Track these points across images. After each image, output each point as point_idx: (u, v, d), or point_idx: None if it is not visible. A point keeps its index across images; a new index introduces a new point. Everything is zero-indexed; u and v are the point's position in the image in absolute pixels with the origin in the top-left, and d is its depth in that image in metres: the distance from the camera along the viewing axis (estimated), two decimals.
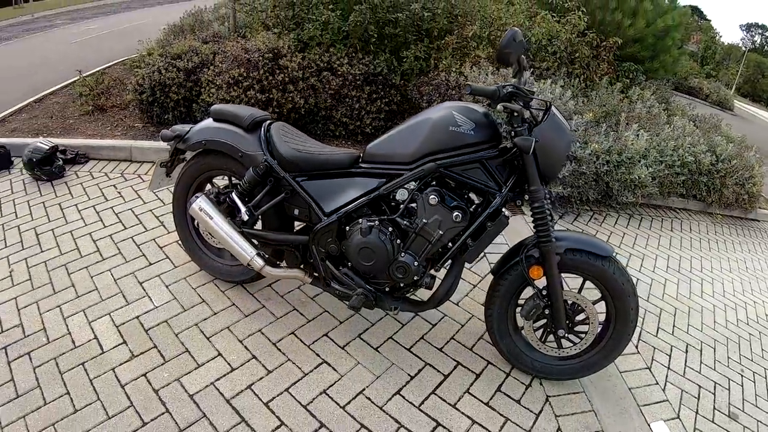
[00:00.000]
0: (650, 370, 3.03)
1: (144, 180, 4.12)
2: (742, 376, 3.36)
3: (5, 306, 2.85)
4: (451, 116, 2.31)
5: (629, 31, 5.95)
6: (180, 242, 3.31)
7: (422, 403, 2.49)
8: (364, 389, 2.52)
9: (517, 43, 2.12)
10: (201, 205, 2.71)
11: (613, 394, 2.74)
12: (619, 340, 2.53)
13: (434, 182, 2.42)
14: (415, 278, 2.48)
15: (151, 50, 5.39)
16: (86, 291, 2.96)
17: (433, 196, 2.33)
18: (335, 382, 2.54)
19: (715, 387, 3.14)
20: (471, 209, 2.40)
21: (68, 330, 2.71)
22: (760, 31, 65.25)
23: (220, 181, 3.05)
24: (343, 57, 4.99)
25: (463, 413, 2.46)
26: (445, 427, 2.38)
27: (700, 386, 3.08)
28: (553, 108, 2.33)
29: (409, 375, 2.63)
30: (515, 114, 2.23)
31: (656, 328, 3.45)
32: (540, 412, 2.54)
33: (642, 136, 4.78)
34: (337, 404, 2.43)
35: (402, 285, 2.56)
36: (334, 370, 2.61)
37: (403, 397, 2.50)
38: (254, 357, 2.65)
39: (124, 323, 2.76)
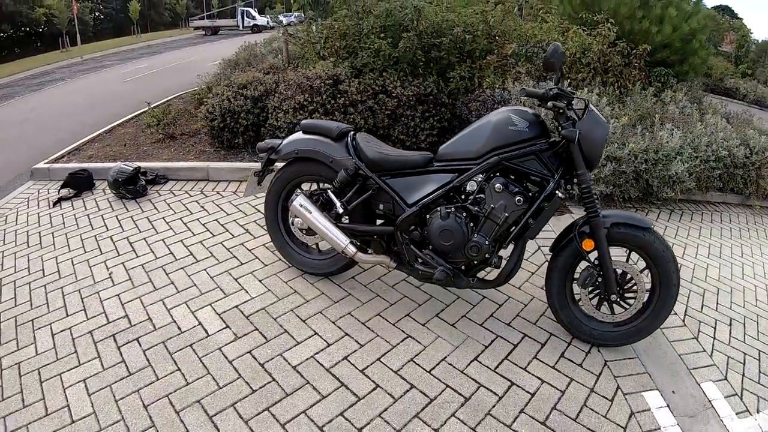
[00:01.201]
0: (697, 340, 3.19)
1: (223, 196, 4.44)
2: None
3: (109, 302, 3.13)
4: (509, 117, 2.72)
5: (657, 37, 6.15)
6: (269, 244, 3.59)
7: (497, 367, 2.74)
8: (445, 357, 2.78)
9: (559, 54, 2.54)
10: (301, 202, 3.04)
11: (665, 360, 2.96)
12: (665, 303, 2.80)
13: (498, 173, 2.78)
14: (486, 257, 2.81)
15: (210, 84, 5.84)
16: (186, 287, 3.22)
17: (498, 185, 2.70)
18: (420, 352, 2.80)
19: (759, 354, 3.25)
20: (530, 195, 2.73)
21: (173, 319, 2.96)
22: None
23: (306, 187, 3.34)
24: (396, 81, 5.30)
25: (533, 374, 2.71)
26: (518, 386, 2.63)
27: (745, 354, 3.22)
28: (590, 105, 2.70)
29: (483, 345, 2.89)
30: (560, 111, 2.60)
31: (701, 305, 3.57)
32: (600, 373, 2.77)
33: (675, 134, 4.95)
34: (424, 369, 2.68)
35: (475, 263, 2.88)
36: (418, 342, 2.87)
37: (480, 363, 2.76)
38: (347, 334, 2.88)
39: (225, 311, 3.01)
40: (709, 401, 2.73)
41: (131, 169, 4.42)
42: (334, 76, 5.17)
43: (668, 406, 2.63)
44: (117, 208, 4.32)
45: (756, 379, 3.01)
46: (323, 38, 5.56)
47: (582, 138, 2.57)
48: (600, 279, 2.81)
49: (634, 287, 2.85)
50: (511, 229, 2.79)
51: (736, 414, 2.69)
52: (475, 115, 5.20)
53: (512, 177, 2.79)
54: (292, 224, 3.23)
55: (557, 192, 2.71)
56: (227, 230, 3.90)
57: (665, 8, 6.33)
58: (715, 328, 3.39)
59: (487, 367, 2.74)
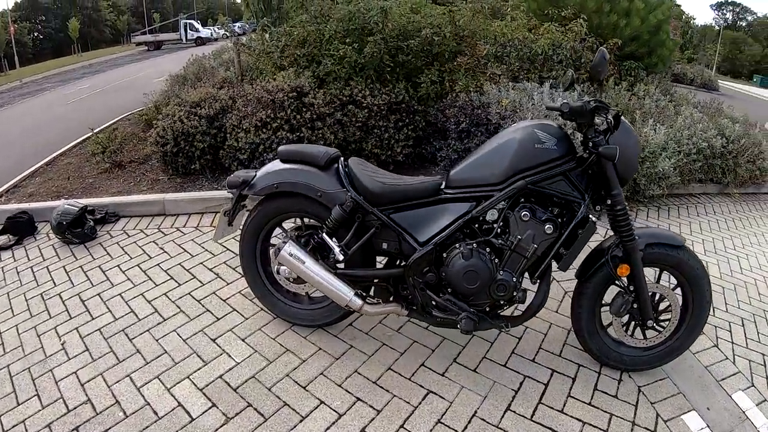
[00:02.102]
0: (718, 348, 3.07)
1: (184, 233, 3.80)
2: None
3: (65, 382, 2.49)
4: (535, 134, 2.33)
5: (626, 30, 5.97)
6: (245, 291, 3.04)
7: (533, 414, 2.42)
8: (476, 411, 2.40)
9: (606, 61, 2.25)
10: (291, 251, 2.47)
11: (692, 375, 2.82)
12: (698, 320, 2.64)
13: (522, 199, 2.39)
14: (513, 294, 2.43)
15: (158, 102, 5.15)
16: (155, 355, 2.61)
17: (525, 213, 2.32)
18: (447, 410, 2.40)
19: None
20: (559, 221, 2.37)
21: (146, 400, 2.36)
22: (730, 8, 66.43)
23: (287, 222, 2.80)
24: (364, 89, 4.81)
25: (572, 417, 2.43)
26: None
27: (763, 354, 3.16)
28: (622, 116, 2.36)
29: (512, 390, 2.55)
30: (593, 125, 2.29)
31: (712, 308, 3.28)
32: (637, 402, 2.56)
33: (660, 130, 4.73)
34: (455, 431, 2.28)
35: (501, 303, 2.49)
36: (441, 398, 2.46)
37: (514, 412, 2.42)
38: (359, 399, 2.39)
39: (207, 385, 2.44)
40: (743, 412, 2.65)
41: (77, 209, 3.71)
42: (297, 87, 4.60)
43: (708, 426, 2.50)
44: (64, 257, 3.61)
45: None
46: (280, 47, 4.96)
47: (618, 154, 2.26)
48: (635, 305, 2.55)
49: (669, 309, 2.63)
50: (542, 261, 2.41)
51: None
52: (453, 121, 4.79)
53: (539, 201, 2.41)
54: (277, 273, 2.66)
55: (590, 216, 2.40)
56: (194, 276, 3.28)
57: (632, 1, 6.13)
58: (730, 332, 3.29)
59: (522, 416, 2.40)
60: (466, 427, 2.31)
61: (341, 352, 2.68)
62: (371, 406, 2.37)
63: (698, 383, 2.77)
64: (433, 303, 2.49)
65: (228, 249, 3.55)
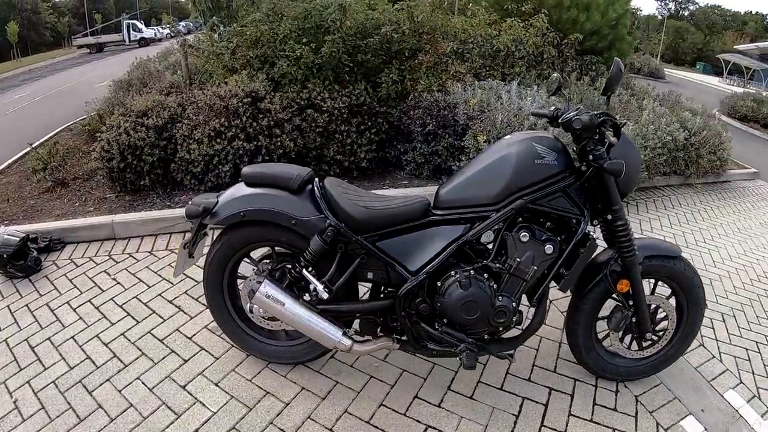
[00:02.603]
0: (704, 346, 3.10)
1: (137, 259, 3.39)
2: None
3: None
4: (533, 148, 2.16)
5: (586, 25, 5.93)
6: (212, 326, 2.71)
7: None
8: None
9: (621, 73, 2.13)
10: (268, 292, 2.17)
11: (684, 377, 2.83)
12: (693, 327, 2.62)
13: (520, 219, 2.23)
14: (513, 319, 2.28)
15: (101, 110, 4.69)
16: (120, 410, 2.27)
17: (524, 233, 2.15)
18: None
19: (757, 345, 3.30)
20: (558, 239, 2.22)
21: None
22: None
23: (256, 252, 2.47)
24: (323, 91, 4.52)
25: None
26: None
27: (746, 349, 3.24)
28: (623, 129, 2.24)
29: (513, 415, 2.42)
30: (593, 138, 2.15)
31: None
32: (636, 413, 2.53)
33: (628, 126, 4.69)
34: None
35: (500, 329, 2.33)
36: None
37: None
38: None
39: None
40: (736, 411, 2.70)
41: (18, 239, 3.24)
42: (252, 92, 4.25)
43: (706, 429, 2.52)
44: (7, 294, 3.13)
45: (764, 374, 3.05)
46: (231, 48, 4.59)
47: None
48: (633, 318, 2.48)
49: (665, 319, 2.59)
50: (541, 283, 2.26)
51: (761, 416, 2.69)
52: (419, 123, 4.58)
53: (538, 220, 2.26)
54: (251, 312, 2.34)
55: (590, 233, 2.27)
56: (154, 311, 2.91)
57: None
58: (713, 329, 3.33)
59: None
60: None
61: (327, 390, 2.43)
62: None
63: (691, 385, 2.77)
64: (428, 335, 2.26)
65: (188, 276, 3.19)
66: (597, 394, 2.60)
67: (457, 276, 2.14)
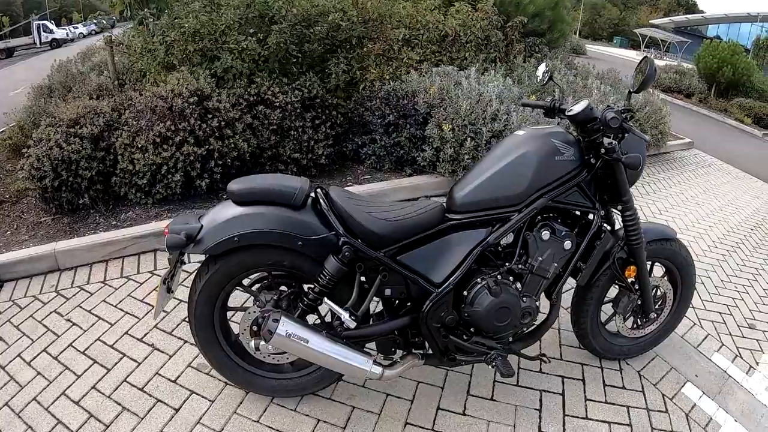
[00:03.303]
0: (685, 315, 3.12)
1: (91, 292, 2.90)
2: (737, 291, 3.80)
3: None
4: (553, 145, 2.10)
5: (529, 8, 5.88)
6: (198, 364, 2.39)
7: (564, 430, 2.29)
8: None
9: (656, 73, 2.13)
10: (288, 330, 1.87)
11: (674, 347, 2.94)
12: (685, 303, 2.72)
13: (538, 217, 2.17)
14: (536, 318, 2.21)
15: (22, 122, 4.04)
16: None
17: (545, 232, 2.10)
18: None
19: (728, 308, 3.51)
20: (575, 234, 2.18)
21: None
22: None
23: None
24: (273, 86, 4.14)
25: (597, 420, 2.38)
26: None
27: (720, 312, 3.43)
28: (631, 120, 2.24)
29: (536, 410, 2.39)
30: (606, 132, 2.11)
31: None
32: (642, 388, 2.60)
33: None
34: None
35: (525, 330, 2.27)
36: None
37: None
38: None
39: None
40: (724, 371, 2.85)
41: None
42: (197, 90, 3.79)
43: (704, 393, 2.64)
44: None
45: (739, 334, 3.25)
46: (168, 42, 4.09)
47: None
48: (638, 301, 2.53)
49: (665, 296, 2.66)
50: (559, 279, 2.22)
51: (746, 373, 2.87)
52: (378, 114, 4.34)
53: (554, 216, 2.20)
54: (257, 350, 2.02)
55: (604, 225, 2.27)
56: (124, 354, 2.48)
57: None
58: None
59: None
60: None
61: (345, 418, 2.20)
62: None
63: (681, 354, 2.89)
64: (456, 347, 2.10)
65: (149, 305, 2.80)
66: (605, 375, 2.64)
67: (485, 283, 2.00)
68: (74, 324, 2.67)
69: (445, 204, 2.10)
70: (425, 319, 2.01)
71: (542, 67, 2.41)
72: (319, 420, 2.18)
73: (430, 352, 2.15)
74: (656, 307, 2.61)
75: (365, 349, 2.06)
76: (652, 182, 5.78)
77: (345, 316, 1.90)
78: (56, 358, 2.46)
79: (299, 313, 1.99)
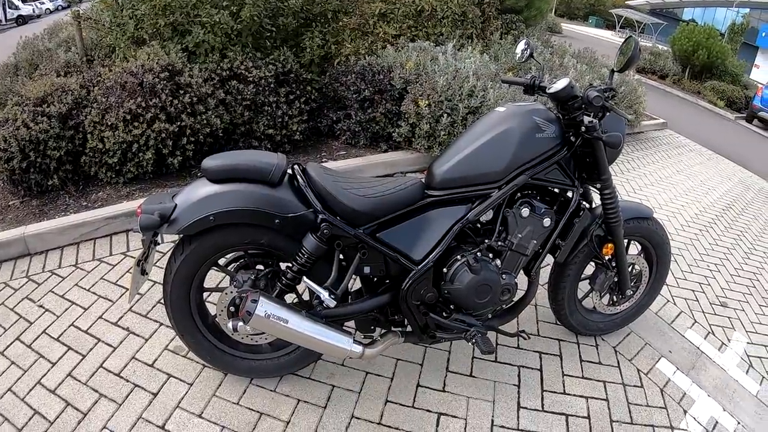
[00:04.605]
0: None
1: (63, 276, 2.79)
2: (709, 270, 3.87)
3: None
4: (534, 122, 2.06)
5: None
6: (175, 346, 2.34)
7: (543, 405, 2.33)
8: (493, 420, 2.22)
9: (640, 52, 2.13)
10: (267, 310, 1.81)
11: (648, 323, 2.97)
12: (660, 280, 2.74)
13: (518, 194, 2.14)
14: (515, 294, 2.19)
15: None
16: None
17: (524, 209, 2.08)
18: (465, 428, 2.16)
19: (700, 286, 3.58)
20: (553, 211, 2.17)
21: None
22: None
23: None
24: (246, 60, 3.99)
25: (575, 395, 2.41)
26: (573, 415, 2.31)
27: (692, 290, 3.49)
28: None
29: (514, 385, 2.41)
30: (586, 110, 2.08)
31: None
32: (618, 363, 2.63)
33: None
34: None
35: (504, 306, 2.24)
36: (455, 417, 2.20)
37: (526, 408, 2.30)
38: None
39: None
40: (697, 348, 2.90)
41: None
42: (168, 65, 3.61)
43: (678, 368, 2.69)
44: None
45: (711, 311, 3.30)
46: (137, 16, 3.92)
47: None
48: (615, 278, 2.54)
49: (641, 274, 2.68)
50: (538, 256, 2.22)
51: (718, 350, 2.94)
52: (353, 90, 4.25)
53: (534, 193, 2.19)
54: (235, 330, 1.95)
55: (583, 203, 2.25)
56: (99, 339, 2.39)
57: None
58: None
59: (534, 410, 2.29)
60: None
61: (325, 397, 2.17)
62: None
63: (655, 330, 2.92)
64: (437, 325, 2.09)
65: (121, 286, 2.71)
66: (581, 350, 2.66)
67: (465, 260, 1.98)
68: (47, 310, 2.56)
69: (424, 180, 2.05)
70: (405, 296, 1.98)
71: (521, 45, 2.35)
72: (299, 400, 2.15)
73: (410, 329, 2.12)
74: (632, 284, 2.62)
75: (345, 328, 2.01)
76: (627, 161, 5.81)
77: (324, 295, 1.85)
78: (30, 346, 2.36)
79: (277, 293, 1.94)
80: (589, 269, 2.56)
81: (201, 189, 1.85)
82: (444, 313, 2.10)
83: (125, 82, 3.47)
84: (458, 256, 2.00)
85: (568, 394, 2.39)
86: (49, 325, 2.48)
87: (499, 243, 2.07)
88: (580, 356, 2.62)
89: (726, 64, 14.91)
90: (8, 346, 2.36)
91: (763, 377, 2.83)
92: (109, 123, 3.41)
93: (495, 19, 5.47)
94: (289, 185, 1.89)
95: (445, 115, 3.98)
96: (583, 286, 2.60)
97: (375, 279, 2.09)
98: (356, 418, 2.11)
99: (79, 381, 2.19)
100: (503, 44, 5.35)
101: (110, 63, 4.02)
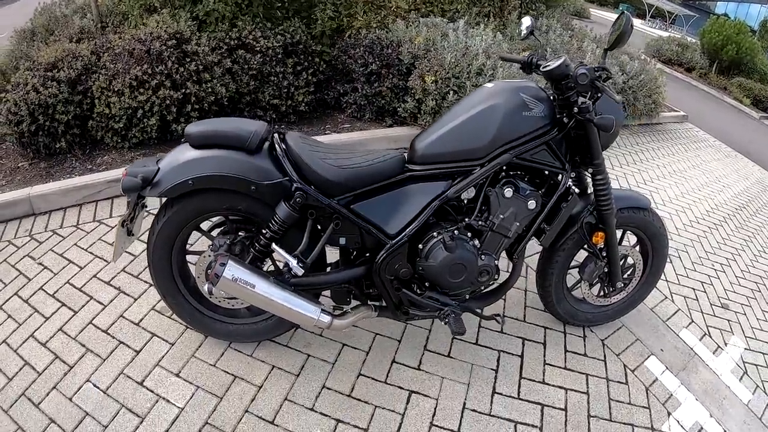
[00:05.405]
0: (656, 288, 3.04)
1: (63, 236, 2.93)
2: (714, 270, 3.76)
3: None
4: (521, 100, 2.01)
5: None
6: (160, 307, 2.46)
7: (519, 392, 2.32)
8: (464, 403, 2.23)
9: (631, 29, 2.04)
10: (235, 274, 1.87)
11: (642, 319, 2.91)
12: (655, 274, 2.66)
13: (503, 173, 2.10)
14: (495, 276, 2.18)
15: (3, 66, 3.99)
16: (76, 422, 1.97)
17: (508, 189, 2.03)
18: (435, 409, 2.19)
19: (702, 285, 3.48)
20: (540, 193, 2.12)
21: None
22: None
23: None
24: (255, 30, 4.02)
25: (554, 386, 2.39)
26: (550, 406, 2.29)
27: (693, 289, 3.40)
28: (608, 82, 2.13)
29: (492, 370, 2.40)
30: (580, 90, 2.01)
31: None
32: (604, 357, 2.59)
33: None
34: (452, 431, 2.10)
35: (482, 288, 2.25)
36: (426, 396, 2.23)
37: (501, 394, 2.30)
38: (339, 421, 2.06)
39: None
40: (691, 349, 2.83)
41: None
42: (176, 33, 3.68)
43: (667, 368, 2.63)
44: None
45: (711, 312, 3.22)
46: None
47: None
48: (606, 269, 2.48)
49: (633, 265, 2.61)
50: (522, 239, 2.19)
51: (713, 353, 2.86)
52: (360, 63, 4.24)
53: (520, 174, 2.13)
54: (210, 294, 2.08)
55: (572, 187, 2.22)
56: (92, 297, 2.53)
57: None
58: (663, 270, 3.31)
59: (509, 397, 2.29)
60: (461, 424, 2.13)
61: (299, 366, 2.25)
62: (356, 426, 2.04)
63: (649, 327, 2.86)
64: (410, 301, 2.11)
65: (125, 251, 2.82)
66: (567, 340, 2.63)
67: (441, 237, 1.98)
68: (45, 267, 2.71)
69: (406, 155, 2.06)
70: (378, 270, 2.01)
71: (526, 20, 2.31)
72: (274, 366, 2.24)
73: (384, 304, 2.15)
74: (624, 276, 2.57)
75: (314, 298, 2.07)
76: (641, 151, 5.69)
77: (293, 263, 1.91)
78: (27, 301, 2.51)
79: (251, 259, 2.00)
80: (582, 256, 2.51)
81: (183, 154, 1.92)
82: (418, 290, 2.13)
83: (133, 49, 3.56)
84: (434, 233, 2.01)
85: (547, 384, 2.38)
86: (47, 282, 2.63)
87: (480, 222, 2.05)
88: (565, 346, 2.60)
89: (755, 62, 14.25)
90: (6, 301, 2.52)
91: (757, 386, 2.75)
92: (116, 89, 3.51)
93: None
94: (268, 153, 1.94)
95: (452, 92, 3.96)
96: (575, 274, 2.57)
97: (353, 251, 2.14)
98: (327, 388, 2.18)
99: (69, 336, 2.33)
100: (520, 24, 5.26)
101: (122, 30, 4.11)
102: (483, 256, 2.07)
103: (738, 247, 4.27)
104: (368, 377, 2.26)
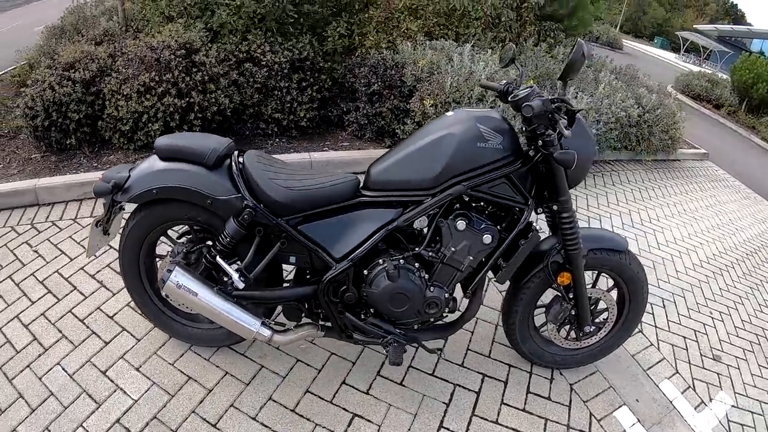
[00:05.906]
0: (642, 333, 3.12)
1: (61, 228, 3.26)
2: (711, 318, 3.65)
3: None
4: (477, 130, 2.01)
5: None
6: (133, 305, 2.64)
7: (467, 430, 2.31)
8: None
9: (584, 58, 1.96)
10: (179, 281, 2.06)
11: (620, 365, 2.83)
12: (633, 321, 2.59)
13: (457, 204, 2.12)
14: (446, 309, 2.22)
15: (32, 60, 4.39)
16: (40, 400, 2.22)
17: (460, 221, 2.04)
18: None
19: (695, 334, 3.38)
20: (498, 228, 2.11)
21: None
22: None
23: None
24: (263, 44, 4.29)
25: (507, 427, 2.36)
26: None
27: (684, 337, 3.30)
28: (578, 115, 2.09)
29: (443, 403, 2.42)
30: (550, 127, 2.00)
31: None
32: (570, 403, 2.54)
33: (582, 98, 4.73)
34: None
35: (431, 320, 2.29)
36: (369, 421, 2.29)
37: (447, 429, 2.30)
38: None
39: None
40: (670, 402, 2.72)
41: None
42: (186, 44, 3.98)
43: (639, 420, 2.55)
44: None
45: (699, 364, 3.11)
46: None
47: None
48: (573, 311, 2.45)
49: (605, 310, 2.57)
50: (477, 273, 2.20)
51: (695, 408, 2.73)
52: (363, 82, 4.46)
53: (476, 206, 2.16)
54: (167, 296, 2.28)
55: (533, 224, 2.19)
56: (75, 287, 2.81)
57: None
58: (653, 314, 3.40)
59: None
60: None
61: (251, 375, 2.43)
62: None
63: (627, 374, 2.80)
64: (354, 326, 2.22)
65: (112, 247, 3.09)
66: (531, 381, 2.61)
67: (385, 265, 2.02)
68: (39, 255, 3.02)
69: (362, 179, 2.14)
70: (323, 292, 2.11)
71: (509, 45, 2.28)
72: (227, 372, 2.42)
73: (330, 326, 2.27)
74: (597, 320, 2.53)
75: (256, 311, 2.23)
76: (652, 188, 5.68)
77: (234, 276, 2.06)
78: (18, 284, 2.81)
79: (202, 269, 2.18)
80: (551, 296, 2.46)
81: (152, 164, 2.13)
82: (363, 316, 2.23)
83: (144, 55, 3.87)
84: (380, 260, 2.07)
85: (500, 425, 2.36)
86: (38, 269, 2.93)
87: (430, 253, 2.08)
88: (528, 387, 2.57)
89: None
90: (0, 282, 2.83)
91: None
92: (125, 93, 3.82)
93: (531, 24, 5.51)
94: (226, 170, 2.10)
95: None
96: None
97: (307, 271, 2.26)
98: (273, 400, 2.33)
99: (49, 321, 2.61)
100: (536, 51, 5.41)
101: (143, 36, 4.46)
102: (432, 288, 2.11)
103: (742, 294, 4.15)
104: (315, 395, 2.36)
